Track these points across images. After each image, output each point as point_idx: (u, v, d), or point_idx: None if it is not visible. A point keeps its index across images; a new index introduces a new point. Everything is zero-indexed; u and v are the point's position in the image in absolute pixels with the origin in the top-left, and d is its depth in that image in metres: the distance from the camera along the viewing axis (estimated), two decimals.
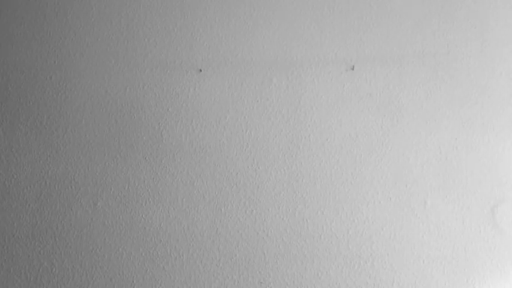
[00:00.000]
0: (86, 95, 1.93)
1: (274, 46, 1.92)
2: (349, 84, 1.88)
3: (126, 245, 1.86)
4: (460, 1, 1.90)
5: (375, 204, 1.84)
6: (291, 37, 1.92)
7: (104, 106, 1.93)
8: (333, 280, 1.82)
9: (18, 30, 1.97)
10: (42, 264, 1.87)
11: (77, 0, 1.97)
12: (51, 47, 1.96)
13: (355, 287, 1.82)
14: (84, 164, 1.90)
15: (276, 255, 1.83)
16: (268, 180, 1.86)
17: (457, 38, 1.88)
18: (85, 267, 1.86)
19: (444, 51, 1.88)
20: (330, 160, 1.85)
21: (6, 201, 1.90)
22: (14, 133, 1.93)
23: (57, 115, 1.93)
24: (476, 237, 1.79)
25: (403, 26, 1.90)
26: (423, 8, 1.90)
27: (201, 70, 1.92)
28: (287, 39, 1.92)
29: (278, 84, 1.90)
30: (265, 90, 1.89)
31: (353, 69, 1.89)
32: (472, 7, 1.89)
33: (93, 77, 1.94)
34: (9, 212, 1.90)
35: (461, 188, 1.82)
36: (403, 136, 1.85)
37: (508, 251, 1.79)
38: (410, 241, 1.82)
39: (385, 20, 1.91)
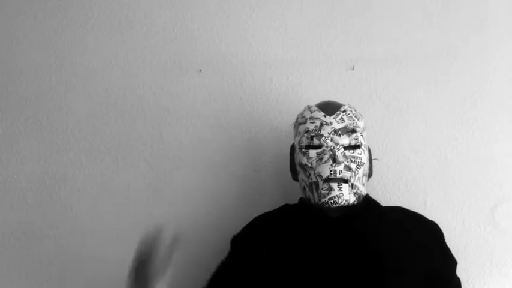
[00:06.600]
0: (86, 95, 1.93)
1: (274, 46, 1.92)
2: (349, 84, 1.88)
3: (126, 245, 1.86)
4: (460, 1, 1.90)
5: None
6: (291, 37, 1.92)
7: (104, 106, 1.93)
8: None
9: (18, 30, 1.97)
10: (42, 264, 1.87)
11: (77, 0, 1.97)
12: (51, 47, 1.96)
13: None
14: (84, 164, 1.90)
15: None
16: (268, 181, 1.86)
17: (457, 38, 1.88)
18: (85, 267, 1.86)
19: (444, 51, 1.88)
20: None
21: (6, 201, 1.90)
22: (14, 133, 1.93)
23: (57, 115, 1.93)
24: (476, 237, 1.79)
25: (403, 26, 1.90)
26: (423, 8, 1.90)
27: (201, 70, 1.92)
28: (287, 39, 1.92)
29: (278, 84, 1.90)
30: (265, 90, 1.89)
31: (353, 69, 1.89)
32: (472, 7, 1.89)
33: (93, 77, 1.94)
34: (9, 212, 1.90)
35: (461, 188, 1.81)
36: (403, 136, 1.85)
37: (508, 251, 1.79)
38: None
39: (385, 20, 1.90)
